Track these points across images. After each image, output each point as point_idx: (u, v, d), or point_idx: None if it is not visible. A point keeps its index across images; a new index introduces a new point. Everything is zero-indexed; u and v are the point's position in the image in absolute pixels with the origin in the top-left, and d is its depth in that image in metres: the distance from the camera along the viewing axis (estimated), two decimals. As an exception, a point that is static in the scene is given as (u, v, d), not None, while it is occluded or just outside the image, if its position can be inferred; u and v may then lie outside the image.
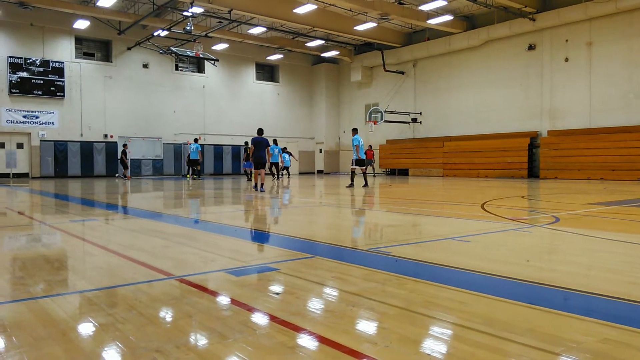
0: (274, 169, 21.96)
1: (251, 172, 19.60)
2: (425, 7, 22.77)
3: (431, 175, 27.28)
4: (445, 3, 22.34)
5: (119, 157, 24.51)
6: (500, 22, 24.09)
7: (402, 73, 29.90)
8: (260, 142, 13.69)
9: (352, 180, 16.02)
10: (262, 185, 13.84)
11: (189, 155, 24.38)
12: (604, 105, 21.25)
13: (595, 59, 21.44)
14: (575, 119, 22.17)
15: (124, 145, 24.18)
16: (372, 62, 31.02)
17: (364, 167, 15.86)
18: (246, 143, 21.86)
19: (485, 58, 25.51)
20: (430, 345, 2.27)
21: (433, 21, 24.12)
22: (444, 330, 2.47)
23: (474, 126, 26.13)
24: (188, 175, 25.86)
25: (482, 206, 9.02)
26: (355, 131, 15.77)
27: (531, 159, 23.62)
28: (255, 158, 13.69)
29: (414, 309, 2.77)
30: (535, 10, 22.45)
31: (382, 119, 27.86)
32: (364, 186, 15.60)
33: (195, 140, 25.14)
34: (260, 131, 14.23)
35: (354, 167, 15.79)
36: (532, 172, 23.61)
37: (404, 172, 29.18)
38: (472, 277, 3.58)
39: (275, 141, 21.95)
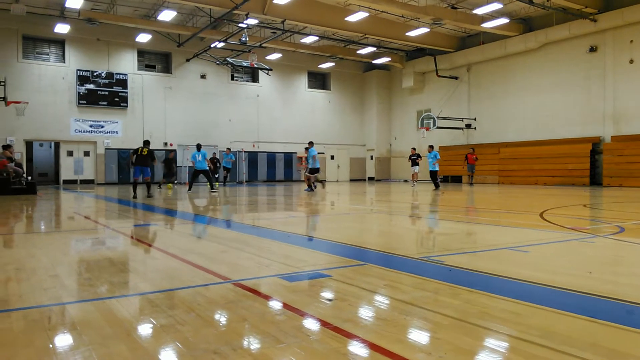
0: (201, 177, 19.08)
1: (136, 181, 15.61)
2: (479, 11, 22.27)
3: (486, 183, 26.55)
4: (501, 6, 21.78)
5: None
6: (558, 23, 23.20)
7: (456, 78, 29.34)
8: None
9: (310, 186, 17.64)
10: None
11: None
12: (674, 109, 19.99)
13: (665, 60, 20.23)
14: (642, 124, 20.98)
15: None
16: (424, 67, 30.65)
17: (316, 175, 17.98)
18: (148, 143, 15.58)
19: (543, 61, 24.63)
20: (486, 358, 2.23)
21: (488, 25, 23.57)
22: (500, 343, 2.41)
23: (531, 132, 25.22)
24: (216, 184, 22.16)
25: (541, 215, 8.70)
26: (311, 144, 17.89)
27: (593, 166, 22.53)
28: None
29: (468, 320, 2.73)
30: (597, 11, 21.47)
31: (434, 125, 27.39)
32: (305, 190, 17.73)
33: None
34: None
35: (309, 174, 17.66)
36: (595, 180, 22.50)
37: (457, 180, 28.56)
38: (530, 289, 3.48)
39: (198, 146, 18.03)
